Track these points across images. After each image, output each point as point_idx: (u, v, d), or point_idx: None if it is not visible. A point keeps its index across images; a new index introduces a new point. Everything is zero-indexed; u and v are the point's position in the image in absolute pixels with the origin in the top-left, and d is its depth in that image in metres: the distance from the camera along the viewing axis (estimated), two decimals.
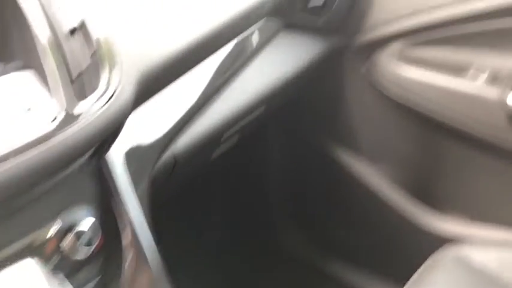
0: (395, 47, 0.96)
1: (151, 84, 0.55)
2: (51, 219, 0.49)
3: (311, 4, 0.87)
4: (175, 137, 0.65)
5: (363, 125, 1.09)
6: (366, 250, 1.19)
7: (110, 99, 0.45)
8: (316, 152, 1.17)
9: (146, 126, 0.60)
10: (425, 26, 0.90)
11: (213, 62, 0.71)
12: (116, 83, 0.46)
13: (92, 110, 0.44)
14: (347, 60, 1.02)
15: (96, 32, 0.47)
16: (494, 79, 0.86)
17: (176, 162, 0.65)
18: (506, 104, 0.83)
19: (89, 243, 0.51)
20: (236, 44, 0.76)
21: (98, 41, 0.46)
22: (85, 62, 0.45)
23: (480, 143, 0.91)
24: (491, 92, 0.85)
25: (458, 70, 0.90)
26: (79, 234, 0.50)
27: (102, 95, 0.45)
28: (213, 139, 0.72)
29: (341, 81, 1.06)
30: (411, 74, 0.93)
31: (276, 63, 0.86)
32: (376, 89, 1.01)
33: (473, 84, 0.87)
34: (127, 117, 0.49)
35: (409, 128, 1.03)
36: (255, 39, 0.81)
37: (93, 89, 0.45)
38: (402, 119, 1.03)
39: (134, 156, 0.57)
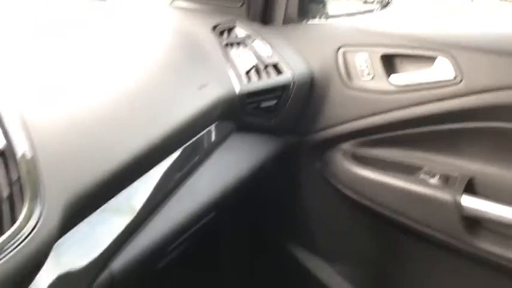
0: (347, 146, 0.96)
1: (82, 207, 0.50)
2: None
3: (263, 105, 0.87)
4: (114, 256, 0.59)
5: (318, 220, 1.06)
6: None
7: (30, 233, 0.40)
8: (271, 248, 1.13)
9: (78, 246, 0.55)
10: (374, 128, 0.91)
11: (158, 170, 0.67)
12: (38, 215, 0.41)
13: (8, 247, 0.39)
14: (302, 158, 1.02)
15: (18, 157, 0.42)
16: (446, 180, 0.86)
17: (114, 283, 0.59)
18: (461, 205, 0.83)
19: None
20: (185, 149, 0.73)
21: (19, 167, 0.42)
22: (5, 191, 0.41)
23: (437, 242, 0.89)
24: (445, 193, 0.84)
25: (410, 170, 0.91)
26: None
27: (21, 230, 0.40)
28: (158, 252, 0.67)
29: (297, 177, 1.05)
30: (364, 172, 0.93)
31: (228, 166, 0.83)
32: (331, 186, 0.99)
33: (426, 185, 0.87)
34: (51, 248, 0.44)
35: (365, 225, 1.01)
36: (206, 143, 0.78)
37: (12, 222, 0.40)
38: (358, 217, 1.01)
39: (63, 284, 0.51)
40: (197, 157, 0.75)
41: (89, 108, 0.57)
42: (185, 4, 1.09)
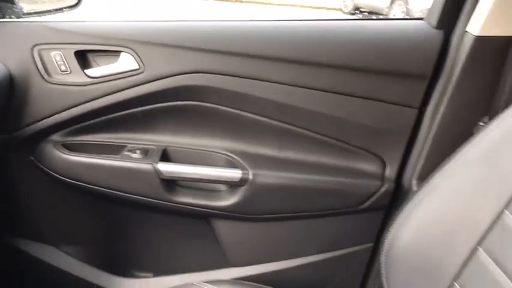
0: (56, 137, 1.04)
1: None
2: None
3: None
4: None
5: (41, 210, 1.11)
6: None
7: None
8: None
9: None
10: (78, 118, 1.02)
11: None
12: None
13: None
14: (12, 154, 1.04)
15: None
16: (146, 153, 1.04)
17: None
18: (159, 170, 1.02)
19: None
20: None
21: None
22: None
23: (146, 205, 1.07)
24: (145, 164, 1.02)
25: (116, 150, 1.05)
26: None
27: None
28: None
29: (11, 174, 1.07)
30: (76, 158, 1.03)
31: None
32: (48, 175, 1.06)
33: (130, 160, 1.03)
34: None
35: (85, 205, 1.12)
36: None
37: None
38: (77, 198, 1.11)
39: None
40: None
41: None
42: None
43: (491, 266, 0.73)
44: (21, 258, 1.13)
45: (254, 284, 0.98)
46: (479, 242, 0.76)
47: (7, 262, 1.14)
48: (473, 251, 0.77)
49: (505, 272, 0.70)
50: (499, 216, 0.75)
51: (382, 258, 0.89)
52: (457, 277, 0.79)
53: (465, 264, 0.78)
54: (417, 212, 0.85)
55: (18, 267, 1.14)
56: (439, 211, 0.82)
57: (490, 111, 0.94)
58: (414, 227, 0.84)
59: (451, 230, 0.80)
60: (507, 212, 0.74)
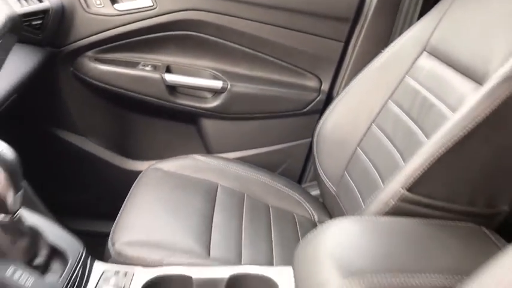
0: (91, 53, 1.46)
1: None
2: None
3: (33, 23, 1.27)
4: None
5: (78, 107, 1.53)
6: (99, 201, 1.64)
7: None
8: (42, 135, 1.54)
9: None
10: (107, 39, 1.43)
11: None
12: None
13: None
14: (59, 63, 1.45)
15: None
16: (155, 68, 1.48)
17: None
18: (165, 79, 1.46)
19: None
20: None
21: None
22: None
23: (154, 105, 1.50)
24: (155, 74, 1.45)
25: (134, 65, 1.48)
26: None
27: None
28: None
29: (56, 79, 1.47)
30: (106, 68, 1.45)
31: (8, 72, 1.19)
32: (83, 82, 1.47)
33: (144, 71, 1.46)
34: None
35: (110, 103, 1.55)
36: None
37: None
38: (105, 98, 1.54)
39: None
40: None
41: None
42: None
43: (379, 133, 1.21)
44: (60, 143, 1.54)
45: (234, 159, 1.45)
46: (373, 120, 1.25)
47: (50, 147, 1.55)
48: (369, 126, 1.25)
49: (387, 136, 1.18)
50: (385, 103, 1.23)
51: (315, 138, 1.37)
52: (358, 143, 1.27)
53: (364, 134, 1.26)
54: (337, 106, 1.33)
55: (57, 150, 1.56)
56: (350, 103, 1.30)
57: (388, 43, 1.43)
58: (335, 115, 1.32)
59: (357, 114, 1.28)
60: (390, 101, 1.22)
